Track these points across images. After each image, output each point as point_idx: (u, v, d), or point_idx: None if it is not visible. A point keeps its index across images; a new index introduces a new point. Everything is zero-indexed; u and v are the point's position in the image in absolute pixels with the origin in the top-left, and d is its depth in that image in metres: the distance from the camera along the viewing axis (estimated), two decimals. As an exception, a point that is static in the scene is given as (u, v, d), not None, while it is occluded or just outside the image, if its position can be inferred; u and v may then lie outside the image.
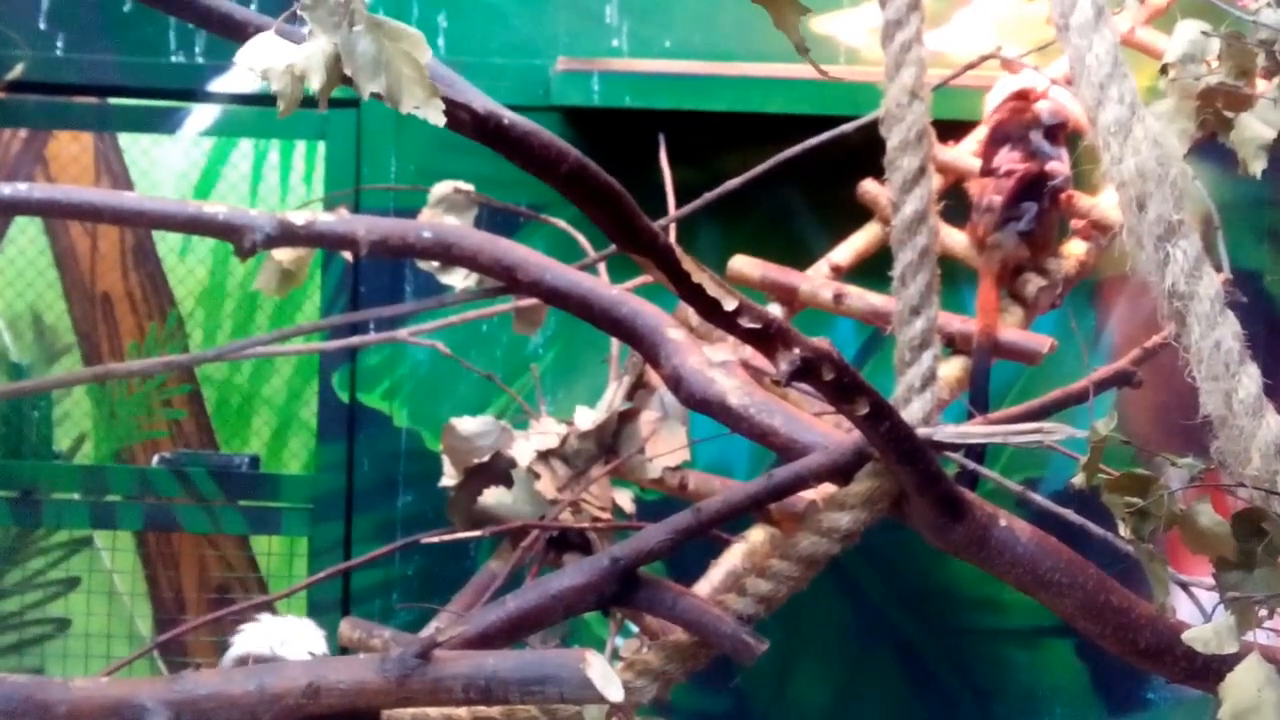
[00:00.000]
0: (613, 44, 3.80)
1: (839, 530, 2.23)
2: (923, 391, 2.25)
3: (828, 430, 2.30)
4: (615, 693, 1.93)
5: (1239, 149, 1.95)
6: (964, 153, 3.24)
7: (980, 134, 3.22)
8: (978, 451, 2.74)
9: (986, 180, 3.11)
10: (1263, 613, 1.76)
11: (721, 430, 2.31)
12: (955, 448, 2.26)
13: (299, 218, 1.91)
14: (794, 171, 2.85)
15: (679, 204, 2.95)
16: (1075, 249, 3.19)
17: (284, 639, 2.48)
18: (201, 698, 1.92)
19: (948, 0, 3.79)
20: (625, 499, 2.93)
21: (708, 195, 2.80)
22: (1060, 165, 3.06)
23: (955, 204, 3.10)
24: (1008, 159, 3.08)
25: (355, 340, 3.32)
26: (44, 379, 4.30)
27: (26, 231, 4.40)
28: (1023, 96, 3.12)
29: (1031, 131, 3.07)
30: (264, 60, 1.59)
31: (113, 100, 3.92)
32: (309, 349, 3.57)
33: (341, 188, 3.70)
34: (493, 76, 3.65)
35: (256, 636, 2.51)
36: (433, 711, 2.16)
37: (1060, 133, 3.10)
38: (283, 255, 2.58)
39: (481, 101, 1.75)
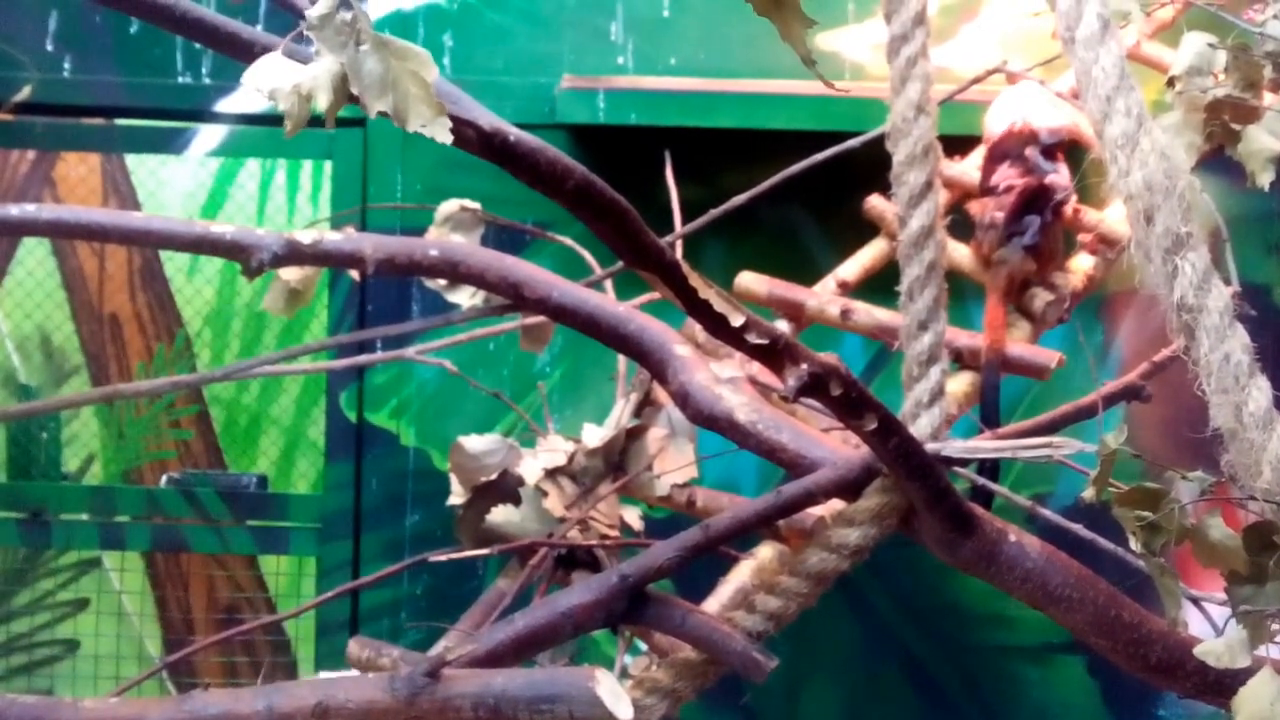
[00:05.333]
0: (618, 61, 3.80)
1: (848, 546, 2.23)
2: (931, 406, 2.25)
3: (836, 446, 2.29)
4: (625, 711, 1.92)
5: (1246, 161, 1.95)
6: (970, 168, 3.24)
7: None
8: (990, 467, 2.74)
9: (987, 199, 3.11)
10: (1275, 626, 1.75)
11: (729, 446, 2.31)
12: (964, 463, 2.26)
13: (306, 237, 1.91)
14: (800, 188, 2.85)
15: (685, 221, 2.95)
16: (1082, 263, 3.18)
17: None
18: (210, 718, 1.92)
19: (953, 15, 3.80)
20: (633, 516, 2.92)
21: (714, 211, 2.80)
22: (1060, 179, 3.06)
23: (962, 219, 3.10)
24: (1006, 175, 3.08)
25: (363, 359, 3.33)
26: (52, 400, 4.30)
27: (35, 253, 4.41)
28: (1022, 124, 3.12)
29: (1028, 148, 3.07)
30: (271, 80, 1.59)
31: (120, 121, 3.94)
32: (316, 368, 3.56)
33: (348, 207, 3.71)
34: (498, 95, 3.67)
35: None
36: (442, 731, 2.15)
37: (1058, 149, 3.10)
38: (290, 274, 2.58)
39: (487, 119, 1.75)
